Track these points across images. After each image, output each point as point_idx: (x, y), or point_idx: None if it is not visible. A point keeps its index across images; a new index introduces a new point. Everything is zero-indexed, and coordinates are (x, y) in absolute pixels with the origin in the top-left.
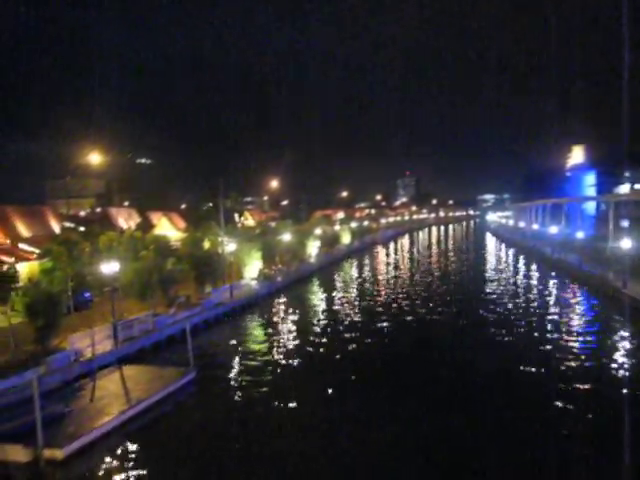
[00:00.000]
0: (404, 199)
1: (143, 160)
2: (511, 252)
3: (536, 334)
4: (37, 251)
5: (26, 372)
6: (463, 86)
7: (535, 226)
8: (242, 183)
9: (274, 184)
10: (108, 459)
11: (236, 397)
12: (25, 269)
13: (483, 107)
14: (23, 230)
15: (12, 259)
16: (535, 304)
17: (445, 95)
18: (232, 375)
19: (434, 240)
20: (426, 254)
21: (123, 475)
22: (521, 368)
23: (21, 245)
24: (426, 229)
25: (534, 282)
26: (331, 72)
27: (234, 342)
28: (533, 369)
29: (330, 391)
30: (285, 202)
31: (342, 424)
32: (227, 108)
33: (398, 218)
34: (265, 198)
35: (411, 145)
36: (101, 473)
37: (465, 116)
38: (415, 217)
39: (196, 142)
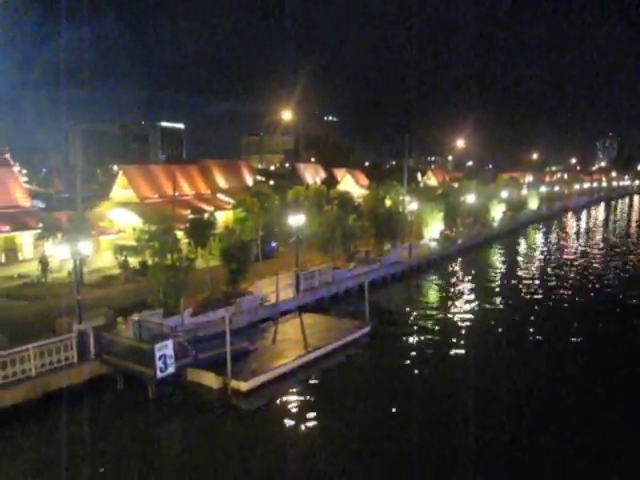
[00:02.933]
0: (603, 163)
1: (330, 118)
2: None
3: None
4: (232, 201)
5: (219, 310)
6: None
7: None
8: (426, 142)
9: (459, 144)
10: (285, 396)
11: (408, 355)
12: (222, 217)
13: None
14: (221, 182)
15: (212, 208)
16: None
17: None
18: (406, 333)
19: (636, 210)
20: (624, 226)
21: (297, 412)
22: None
23: (219, 195)
24: (627, 198)
25: None
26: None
27: (409, 301)
28: None
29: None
30: (470, 163)
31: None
32: (413, 66)
33: (594, 184)
34: (449, 158)
35: (615, 102)
36: (278, 408)
37: None
38: (614, 184)
39: (382, 101)
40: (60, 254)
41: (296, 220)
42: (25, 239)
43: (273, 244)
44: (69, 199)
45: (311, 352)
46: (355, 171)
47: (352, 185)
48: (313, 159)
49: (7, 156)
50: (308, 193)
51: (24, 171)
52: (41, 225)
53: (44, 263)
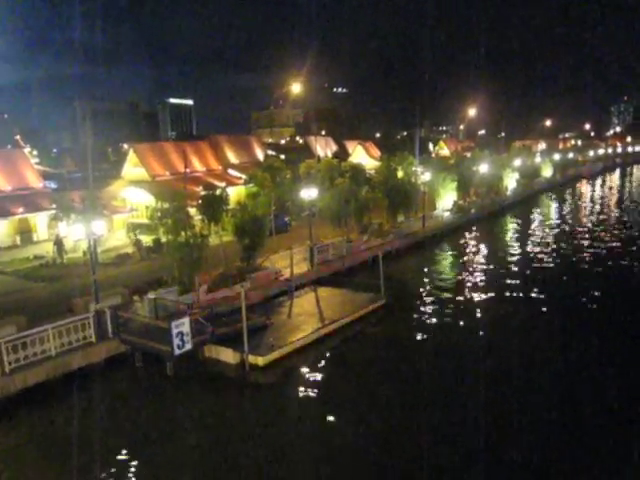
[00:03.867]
0: (618, 129)
1: (340, 90)
2: None
3: None
4: (244, 177)
5: (235, 285)
6: None
7: None
8: (438, 112)
9: (471, 112)
10: (302, 370)
11: (423, 327)
12: (234, 193)
13: None
14: (232, 157)
15: (223, 183)
16: None
17: None
18: (420, 305)
19: None
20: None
21: (314, 386)
22: None
23: (230, 171)
24: None
25: None
26: None
27: (424, 272)
28: None
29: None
30: (482, 131)
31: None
32: (423, 36)
33: (609, 150)
34: (461, 127)
35: (630, 65)
36: (295, 381)
37: None
38: (630, 150)
39: (391, 71)
40: (74, 234)
41: (308, 194)
42: (39, 220)
43: (286, 218)
44: (81, 179)
45: (327, 325)
46: (367, 143)
47: (364, 157)
48: (324, 132)
49: (17, 137)
50: (320, 166)
51: (35, 152)
52: (54, 206)
53: (59, 244)
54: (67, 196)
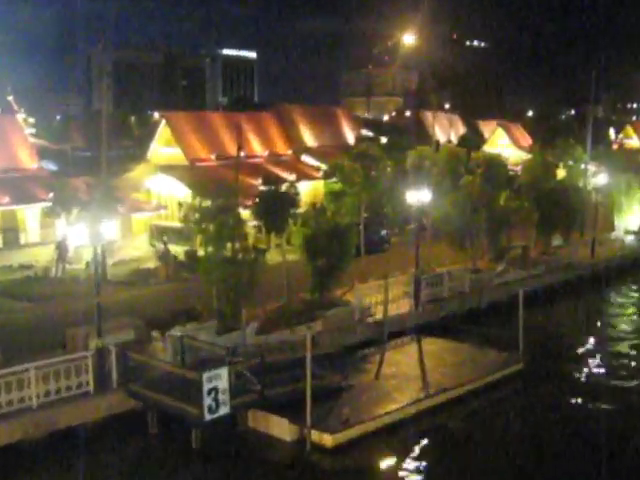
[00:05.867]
0: None
1: (476, 43)
2: None
3: None
4: (324, 167)
5: (299, 326)
6: None
7: None
8: (625, 81)
9: None
10: (389, 459)
11: (579, 408)
12: (308, 190)
13: None
14: (308, 138)
15: (293, 176)
16: None
17: None
18: (577, 375)
19: None
20: None
21: None
22: None
23: (304, 157)
24: None
25: None
26: None
27: (587, 325)
28: None
29: None
30: None
31: None
32: None
33: None
34: None
35: None
36: (377, 475)
37: None
38: None
39: (555, 18)
40: (76, 237)
41: (418, 197)
42: (29, 215)
43: (382, 232)
44: (91, 159)
45: (431, 396)
46: (511, 125)
47: (506, 145)
48: (447, 105)
49: (10, 98)
50: (438, 157)
51: (31, 119)
52: (52, 196)
53: (63, 249)
54: (70, 183)
